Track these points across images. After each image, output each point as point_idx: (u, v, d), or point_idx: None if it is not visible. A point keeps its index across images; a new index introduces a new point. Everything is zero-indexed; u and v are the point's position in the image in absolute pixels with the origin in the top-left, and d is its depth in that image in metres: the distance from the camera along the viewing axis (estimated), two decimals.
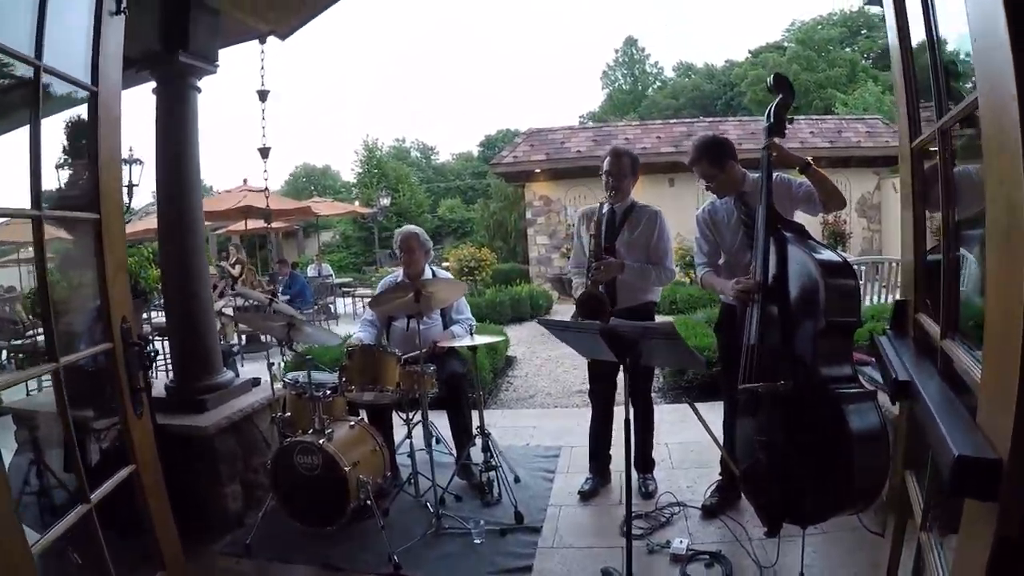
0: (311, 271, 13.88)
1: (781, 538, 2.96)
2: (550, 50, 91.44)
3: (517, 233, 17.48)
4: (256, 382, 4.04)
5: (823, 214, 3.26)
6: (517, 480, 3.89)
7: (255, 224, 13.57)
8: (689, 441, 4.31)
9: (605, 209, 3.61)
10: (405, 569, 3.03)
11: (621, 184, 3.57)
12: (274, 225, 14.75)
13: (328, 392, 3.46)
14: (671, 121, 16.75)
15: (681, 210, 13.92)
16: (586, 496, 3.80)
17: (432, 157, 46.19)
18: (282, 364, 4.21)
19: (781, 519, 2.79)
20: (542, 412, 5.97)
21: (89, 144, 2.18)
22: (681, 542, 3.15)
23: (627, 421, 2.78)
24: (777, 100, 2.90)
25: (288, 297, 9.82)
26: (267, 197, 4.08)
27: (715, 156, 3.21)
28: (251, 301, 7.12)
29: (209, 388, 3.61)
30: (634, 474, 3.90)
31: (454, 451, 4.15)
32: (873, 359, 3.26)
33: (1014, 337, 1.07)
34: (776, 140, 2.90)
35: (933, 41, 1.70)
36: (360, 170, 29.93)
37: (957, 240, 1.70)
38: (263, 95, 3.89)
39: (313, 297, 10.75)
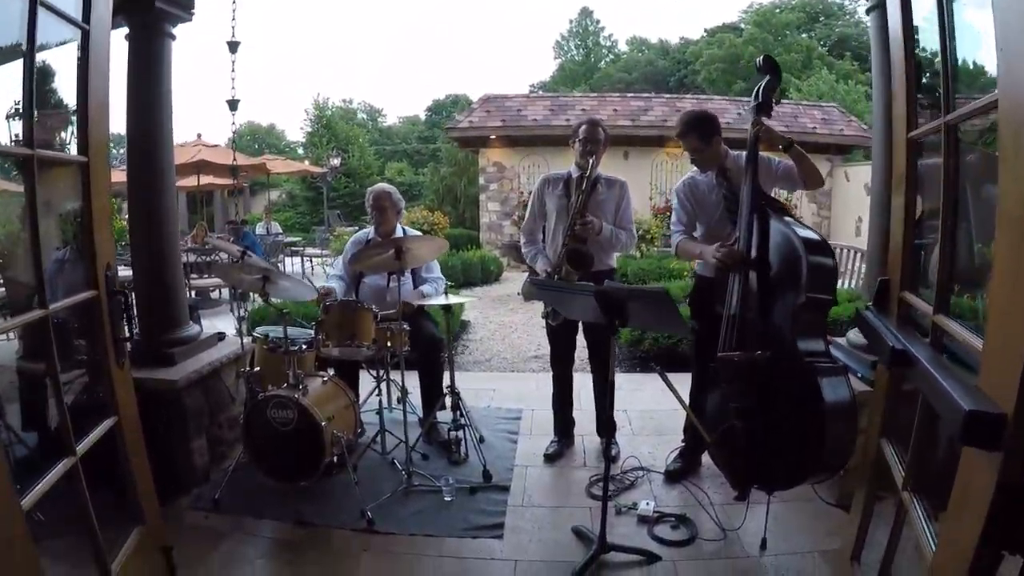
0: (260, 229, 13.46)
1: (744, 504, 3.15)
2: (502, 17, 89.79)
3: (467, 199, 17.39)
4: (221, 336, 3.96)
5: (801, 191, 3.38)
6: (482, 440, 3.92)
7: (209, 180, 13.11)
8: (647, 409, 4.43)
9: (575, 175, 3.68)
10: (378, 525, 3.04)
11: (598, 151, 3.62)
12: (222, 182, 14.26)
13: (304, 347, 3.40)
14: (628, 95, 16.76)
15: (635, 183, 14.03)
16: (551, 458, 3.88)
17: (379, 120, 45.20)
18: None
19: (751, 484, 2.94)
20: (500, 375, 6.02)
21: (79, 85, 2.10)
22: (647, 504, 3.25)
23: (611, 383, 2.92)
24: (765, 81, 3.02)
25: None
26: (234, 151, 3.93)
27: (704, 131, 3.28)
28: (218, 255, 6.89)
29: (177, 341, 3.49)
30: (596, 439, 4.05)
31: (419, 411, 4.16)
32: (837, 340, 3.46)
33: (1018, 314, 1.24)
34: (763, 119, 3.01)
35: (945, 39, 1.76)
36: (310, 129, 29.11)
37: (955, 227, 1.80)
38: (233, 46, 3.74)
39: (264, 255, 10.45)
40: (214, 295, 10.03)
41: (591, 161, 3.58)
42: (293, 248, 14.17)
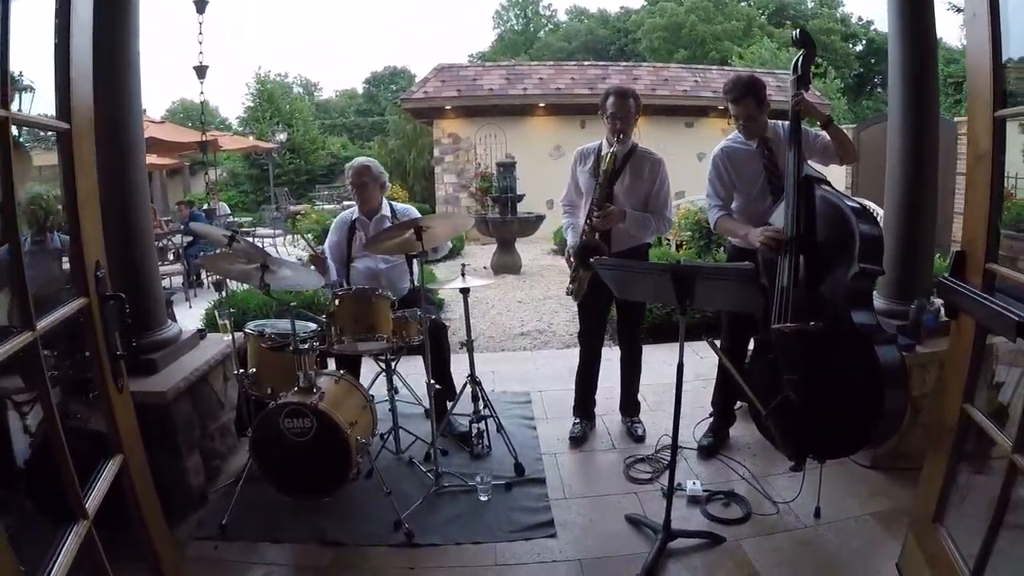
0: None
1: (787, 475, 3.11)
2: None
3: (416, 172, 17.01)
4: (202, 334, 3.58)
5: (836, 165, 3.28)
6: (499, 429, 3.65)
7: (152, 160, 12.33)
8: (656, 383, 4.23)
9: (605, 151, 3.41)
10: (418, 537, 2.75)
11: (627, 127, 3.36)
12: (163, 162, 13.49)
13: (316, 344, 3.04)
14: (585, 63, 16.44)
15: None
16: (577, 442, 3.70)
17: (316, 94, 43.80)
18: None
19: (807, 454, 2.86)
20: (496, 356, 5.73)
21: (58, 35, 1.69)
22: (694, 484, 3.11)
23: (680, 366, 2.69)
24: (802, 54, 2.94)
25: (191, 238, 8.98)
26: (204, 124, 3.50)
27: (761, 95, 3.12)
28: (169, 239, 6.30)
29: (157, 344, 3.09)
30: (616, 417, 3.85)
31: (425, 402, 3.88)
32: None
33: None
34: (803, 93, 2.92)
35: None
36: (251, 104, 27.90)
37: None
38: (200, 5, 3.31)
39: None
40: (164, 283, 9.44)
41: (615, 141, 3.33)
42: (244, 229, 13.49)
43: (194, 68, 3.24)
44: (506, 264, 9.92)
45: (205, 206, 13.33)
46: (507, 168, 10.23)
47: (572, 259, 3.51)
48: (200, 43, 3.19)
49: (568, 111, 13.85)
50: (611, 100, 3.35)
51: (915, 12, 3.18)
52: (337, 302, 3.07)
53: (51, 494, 1.71)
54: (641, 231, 3.48)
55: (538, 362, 5.36)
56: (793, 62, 2.97)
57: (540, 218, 10.27)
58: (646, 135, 14.08)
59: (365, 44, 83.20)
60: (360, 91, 42.17)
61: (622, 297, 3.29)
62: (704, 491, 3.06)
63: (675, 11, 31.96)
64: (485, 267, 10.12)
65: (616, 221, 3.35)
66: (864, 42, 33.07)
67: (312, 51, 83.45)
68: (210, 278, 9.53)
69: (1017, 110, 1.91)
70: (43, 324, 1.56)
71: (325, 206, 14.62)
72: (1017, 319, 1.70)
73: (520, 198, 10.39)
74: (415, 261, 3.62)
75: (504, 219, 10.06)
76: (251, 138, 21.71)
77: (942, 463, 2.23)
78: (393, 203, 3.98)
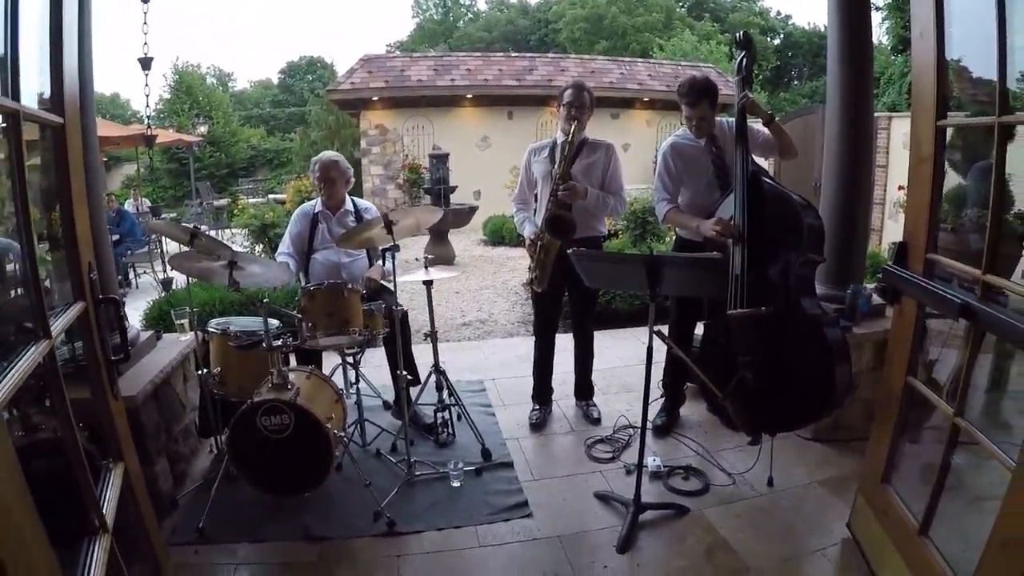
0: (128, 207, 12.13)
1: (737, 449, 3.40)
2: None
3: None
4: (159, 335, 3.51)
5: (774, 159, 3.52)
6: (460, 418, 3.74)
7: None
8: (605, 368, 4.41)
9: (560, 141, 3.54)
10: (400, 526, 2.81)
11: (582, 116, 3.50)
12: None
13: (290, 341, 3.03)
14: (513, 55, 16.61)
15: (518, 143, 14.07)
16: (537, 427, 3.84)
17: (230, 85, 42.15)
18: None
19: (762, 429, 3.11)
20: (442, 347, 5.72)
21: (52, 20, 1.66)
22: (654, 460, 3.29)
23: (649, 348, 2.85)
24: (743, 56, 3.14)
25: (117, 236, 8.58)
26: (148, 118, 3.41)
27: (715, 98, 3.31)
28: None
29: (116, 347, 3.02)
30: (571, 402, 4.02)
31: (383, 394, 4.01)
32: None
33: None
34: (748, 93, 3.09)
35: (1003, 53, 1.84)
36: (169, 96, 26.64)
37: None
38: None
39: (144, 235, 9.40)
40: None
41: (574, 126, 3.46)
42: None
43: (139, 60, 3.12)
44: (439, 255, 9.92)
45: (128, 202, 12.76)
46: (440, 159, 10.25)
47: (538, 239, 3.57)
48: (145, 33, 3.08)
49: (496, 102, 13.99)
50: (569, 92, 3.51)
51: (853, 19, 3.44)
52: (309, 297, 3.08)
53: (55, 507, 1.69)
54: (600, 210, 3.65)
55: (486, 351, 5.47)
56: (737, 63, 3.17)
57: (473, 209, 10.35)
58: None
59: (280, 33, 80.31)
60: (276, 81, 40.85)
61: (592, 286, 3.43)
62: (665, 467, 3.26)
63: (596, 2, 32.36)
64: (418, 259, 10.14)
65: (580, 196, 3.47)
66: (782, 36, 34.39)
67: (224, 40, 79.90)
68: (139, 278, 9.17)
69: (955, 121, 2.17)
70: (56, 328, 1.56)
71: (250, 199, 14.17)
72: (960, 302, 1.94)
73: (453, 189, 10.45)
74: (380, 254, 3.69)
75: (401, 208, 10.13)
76: (172, 131, 20.83)
77: (888, 429, 2.48)
78: (354, 199, 4.00)
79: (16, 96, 1.42)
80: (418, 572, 2.56)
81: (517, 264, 9.44)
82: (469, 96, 13.89)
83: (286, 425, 2.75)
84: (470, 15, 40.44)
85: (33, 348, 1.45)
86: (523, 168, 3.81)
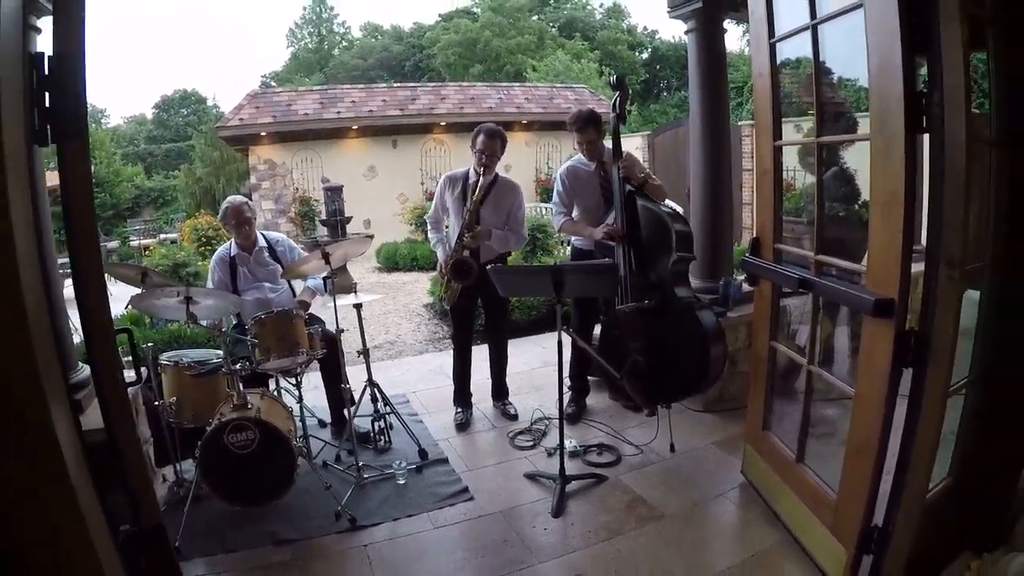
0: None
1: (640, 425, 3.96)
2: (228, 6, 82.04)
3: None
4: None
5: None
6: (391, 427, 4.09)
7: None
8: (513, 372, 4.81)
9: (472, 180, 3.99)
10: (361, 520, 3.11)
11: (492, 162, 3.97)
12: None
13: (247, 365, 3.31)
14: (395, 85, 16.95)
15: (404, 169, 14.55)
16: (462, 427, 4.26)
17: (103, 121, 39.64)
18: None
19: (656, 402, 3.71)
20: (360, 368, 6.07)
21: None
22: (571, 441, 3.78)
23: (559, 343, 3.34)
24: (618, 96, 3.73)
25: None
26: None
27: (599, 126, 3.91)
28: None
29: (80, 384, 3.15)
30: (489, 403, 4.46)
31: (317, 413, 4.30)
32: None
33: (887, 249, 2.08)
34: (624, 162, 3.70)
35: (819, 73, 2.49)
36: None
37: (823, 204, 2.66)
38: None
39: None
40: None
41: (481, 173, 3.92)
42: (64, 271, 12.27)
43: None
44: (340, 284, 10.13)
45: None
46: (335, 191, 10.49)
47: (445, 273, 4.04)
48: None
49: (380, 132, 14.34)
50: (481, 138, 3.94)
51: (712, 51, 4.19)
52: (261, 325, 3.37)
53: None
54: (502, 246, 4.14)
55: (402, 368, 5.79)
56: (612, 102, 3.75)
57: (370, 237, 10.59)
58: (456, 151, 15.04)
59: (151, 66, 75.85)
60: (150, 116, 38.87)
61: (506, 295, 3.95)
62: (580, 446, 3.77)
63: (470, 27, 32.93)
64: (324, 295, 10.28)
65: (484, 239, 3.96)
66: (649, 50, 36.01)
67: (95, 76, 74.60)
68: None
69: (787, 141, 2.83)
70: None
71: (141, 241, 13.67)
72: (797, 277, 2.59)
73: (348, 220, 10.67)
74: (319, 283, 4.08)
75: (336, 241, 10.30)
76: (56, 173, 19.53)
77: (762, 386, 3.11)
78: (265, 233, 4.26)
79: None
80: (386, 557, 2.90)
81: (413, 288, 9.80)
82: (355, 127, 14.16)
83: (251, 440, 3.04)
84: (344, 43, 40.21)
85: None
86: (438, 193, 4.26)
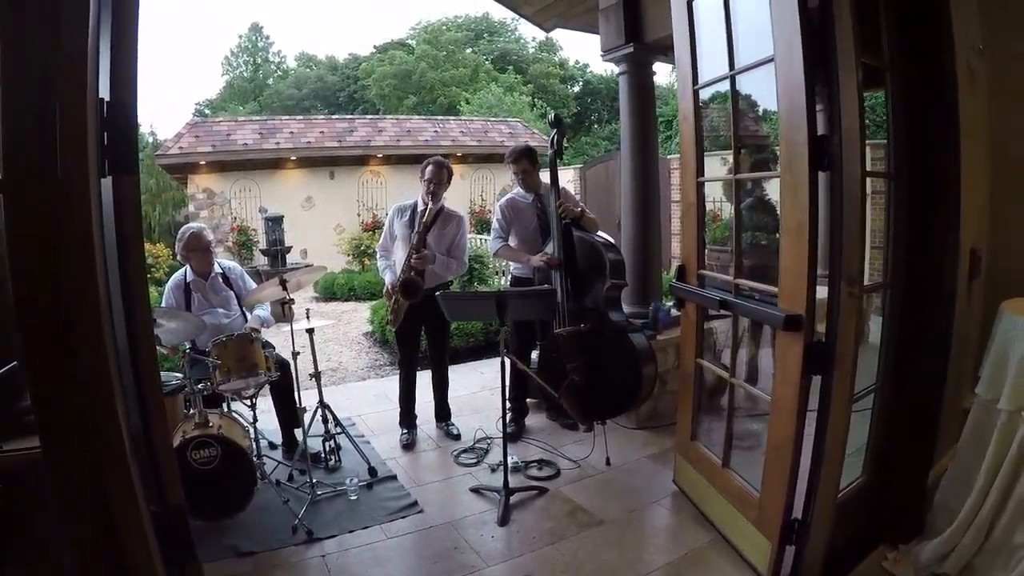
0: None
1: (576, 443, 4.20)
2: (163, 33, 79.40)
3: (162, 227, 16.24)
4: None
5: None
6: (339, 447, 4.18)
7: None
8: (454, 396, 4.95)
9: (421, 207, 4.24)
10: (317, 533, 3.23)
11: (439, 190, 4.24)
12: None
13: (208, 385, 3.41)
14: (333, 117, 17.03)
15: (342, 200, 14.62)
16: (408, 447, 4.41)
17: None
18: None
19: (592, 418, 4.00)
20: (306, 394, 6.09)
21: None
22: (513, 458, 3.95)
23: (502, 363, 3.56)
24: (555, 133, 4.09)
25: None
26: None
27: (533, 158, 4.25)
28: None
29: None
30: (433, 425, 4.63)
31: (267, 435, 4.32)
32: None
33: (795, 272, 2.37)
34: (563, 201, 4.02)
35: (736, 116, 2.84)
36: None
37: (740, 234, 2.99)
38: None
39: None
40: None
41: (430, 201, 4.18)
42: None
43: None
44: (278, 314, 10.09)
45: None
46: (275, 221, 10.51)
47: (393, 293, 4.23)
48: None
49: (318, 163, 14.40)
50: (429, 169, 4.20)
51: (641, 88, 4.56)
52: (222, 347, 3.49)
53: None
54: (445, 271, 4.36)
55: (347, 393, 5.87)
56: (550, 139, 4.08)
57: (323, 268, 10.64)
58: (392, 183, 15.22)
59: None
60: None
61: (453, 320, 4.15)
62: (522, 462, 3.98)
63: (404, 59, 33.11)
64: (282, 321, 10.22)
65: (429, 262, 4.17)
66: (581, 83, 36.72)
67: None
68: None
69: (708, 178, 3.17)
70: None
71: None
72: (719, 299, 2.88)
73: (288, 249, 10.66)
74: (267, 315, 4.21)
75: (277, 271, 10.28)
76: None
77: (689, 399, 3.38)
78: (220, 261, 4.37)
79: None
80: (344, 565, 3.02)
81: (352, 317, 9.83)
82: (293, 158, 14.16)
83: (214, 456, 3.16)
84: (279, 72, 39.79)
85: None
86: (388, 222, 4.48)
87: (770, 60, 2.48)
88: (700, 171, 3.15)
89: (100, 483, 1.60)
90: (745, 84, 2.95)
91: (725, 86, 2.89)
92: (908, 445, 2.82)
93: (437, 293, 3.67)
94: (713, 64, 2.96)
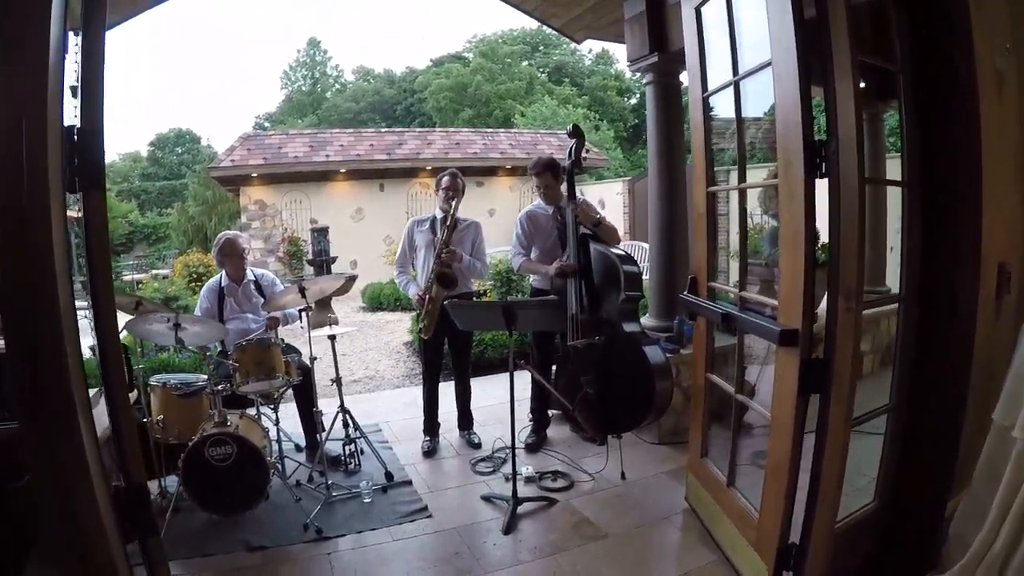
0: None
1: (597, 456, 4.12)
2: (224, 47, 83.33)
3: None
4: (101, 392, 3.85)
5: None
6: (362, 452, 4.30)
7: None
8: (482, 406, 5.01)
9: (439, 216, 4.35)
10: (327, 532, 3.33)
11: (457, 197, 4.31)
12: None
13: (228, 386, 3.56)
14: (383, 130, 17.50)
15: (391, 212, 14.87)
16: (429, 454, 4.46)
17: None
18: None
19: (606, 431, 3.95)
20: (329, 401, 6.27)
21: None
22: (527, 469, 3.99)
23: (511, 375, 3.60)
24: (575, 143, 4.08)
25: None
26: None
27: (557, 171, 4.24)
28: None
29: None
30: (455, 433, 4.66)
31: (294, 437, 4.48)
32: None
33: (794, 286, 2.32)
34: (577, 204, 4.02)
35: (740, 125, 2.81)
36: None
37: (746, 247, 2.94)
38: None
39: None
40: None
41: (453, 204, 4.24)
42: None
43: None
44: (323, 321, 10.33)
45: None
46: (321, 232, 10.79)
47: (426, 294, 4.29)
48: None
49: (368, 176, 14.72)
50: (446, 179, 4.33)
51: (667, 99, 4.55)
52: (241, 351, 3.63)
53: None
54: (470, 272, 4.45)
55: (377, 401, 5.99)
56: (569, 149, 4.08)
57: (354, 277, 10.87)
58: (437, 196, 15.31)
59: (148, 104, 76.38)
60: (145, 154, 39.29)
61: (466, 329, 4.19)
62: (537, 473, 3.97)
63: (460, 72, 33.41)
64: (302, 326, 10.47)
65: (458, 258, 4.25)
66: (638, 95, 35.67)
67: None
68: None
69: (717, 188, 3.13)
70: None
71: (134, 276, 13.88)
72: (722, 312, 2.82)
73: (334, 260, 10.92)
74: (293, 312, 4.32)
75: (312, 278, 10.60)
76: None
77: (700, 415, 3.31)
78: (253, 269, 4.55)
79: None
80: (347, 564, 3.10)
81: (396, 327, 9.97)
82: (343, 171, 14.50)
83: (230, 454, 3.30)
84: (338, 86, 40.87)
85: None
86: (406, 237, 4.56)
87: (768, 64, 2.44)
88: (710, 180, 3.11)
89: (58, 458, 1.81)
90: (765, 92, 2.88)
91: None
92: (925, 471, 2.66)
93: (445, 302, 3.71)
94: (722, 72, 2.91)
